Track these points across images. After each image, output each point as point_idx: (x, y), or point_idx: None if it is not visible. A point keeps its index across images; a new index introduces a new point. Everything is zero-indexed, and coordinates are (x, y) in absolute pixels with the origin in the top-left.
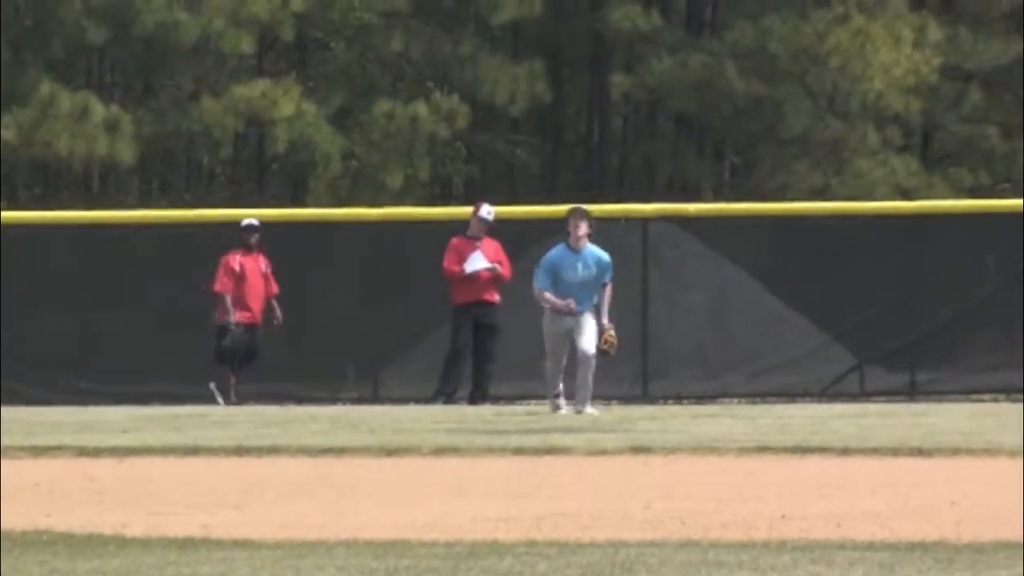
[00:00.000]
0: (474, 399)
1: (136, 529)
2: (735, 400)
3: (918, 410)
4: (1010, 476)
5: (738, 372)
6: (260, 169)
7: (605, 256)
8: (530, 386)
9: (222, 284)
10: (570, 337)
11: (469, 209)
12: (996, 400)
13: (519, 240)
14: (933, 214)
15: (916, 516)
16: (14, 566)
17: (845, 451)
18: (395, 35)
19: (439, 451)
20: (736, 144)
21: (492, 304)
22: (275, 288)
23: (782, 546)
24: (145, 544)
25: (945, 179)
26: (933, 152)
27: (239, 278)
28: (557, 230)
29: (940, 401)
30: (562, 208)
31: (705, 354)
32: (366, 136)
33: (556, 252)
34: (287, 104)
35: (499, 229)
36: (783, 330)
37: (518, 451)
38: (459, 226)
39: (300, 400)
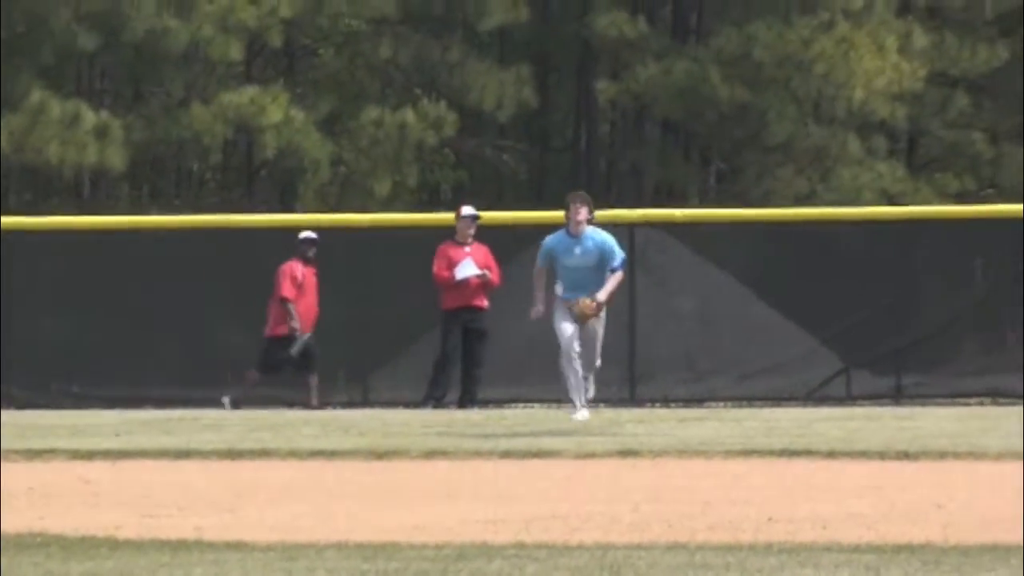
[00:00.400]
0: (463, 403)
1: (129, 531)
2: (722, 404)
3: (904, 414)
4: (996, 479)
5: (725, 376)
6: (249, 175)
7: (608, 239)
8: (519, 390)
9: (288, 291)
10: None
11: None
12: (982, 404)
13: (507, 245)
14: (919, 219)
15: (902, 519)
16: (9, 568)
17: (831, 454)
18: (383, 42)
19: (428, 454)
20: (722, 150)
21: (481, 309)
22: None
23: (769, 548)
24: (138, 546)
25: (931, 184)
26: (919, 157)
27: (299, 287)
28: (545, 235)
29: (926, 405)
30: (550, 214)
31: (692, 358)
32: (354, 142)
33: (554, 237)
34: (276, 111)
35: (487, 235)
36: (770, 334)
37: (507, 454)
38: (447, 232)
39: (290, 404)
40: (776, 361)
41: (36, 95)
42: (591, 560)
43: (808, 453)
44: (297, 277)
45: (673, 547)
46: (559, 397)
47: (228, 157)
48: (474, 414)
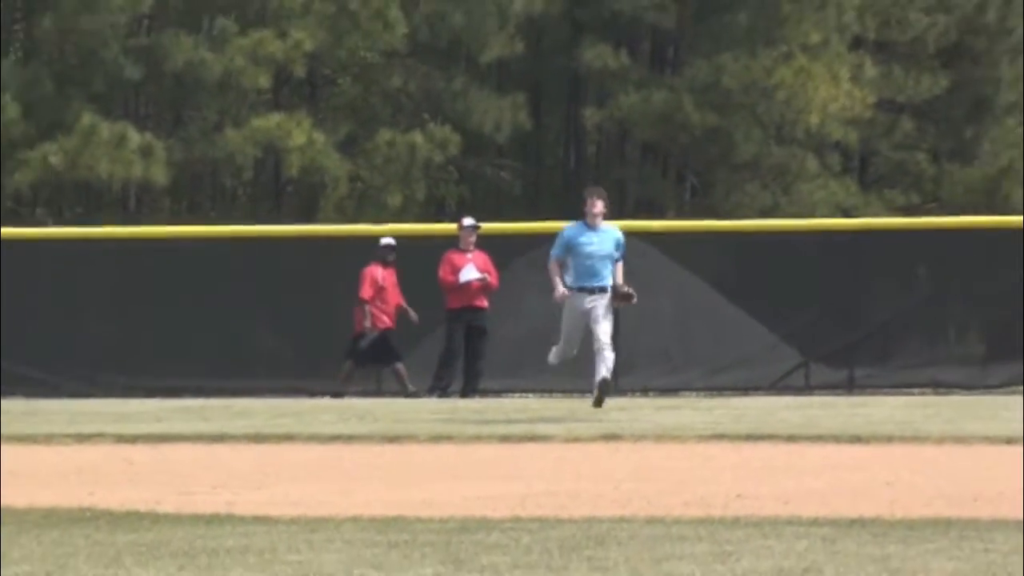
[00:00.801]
0: (465, 393)
1: (168, 506)
2: (695, 393)
3: (856, 402)
4: (937, 460)
5: (698, 369)
6: (276, 191)
7: (620, 234)
8: (515, 382)
9: (366, 292)
10: (587, 319)
11: None
12: (924, 394)
13: (504, 253)
14: (870, 230)
15: (855, 495)
16: (61, 539)
17: (792, 438)
18: (395, 72)
19: (435, 438)
20: (695, 168)
21: (482, 309)
22: (401, 298)
23: (736, 522)
24: (176, 520)
25: (880, 199)
26: (869, 175)
27: (380, 288)
28: (539, 243)
29: (876, 394)
30: (542, 225)
31: (669, 353)
32: (370, 161)
33: (573, 228)
34: (300, 134)
35: (486, 243)
36: (737, 332)
37: (504, 439)
38: (451, 240)
39: (312, 394)
40: (743, 355)
41: (87, 119)
42: (579, 532)
43: (771, 437)
44: (377, 279)
45: (652, 521)
46: (551, 387)
47: (258, 175)
48: (475, 403)
